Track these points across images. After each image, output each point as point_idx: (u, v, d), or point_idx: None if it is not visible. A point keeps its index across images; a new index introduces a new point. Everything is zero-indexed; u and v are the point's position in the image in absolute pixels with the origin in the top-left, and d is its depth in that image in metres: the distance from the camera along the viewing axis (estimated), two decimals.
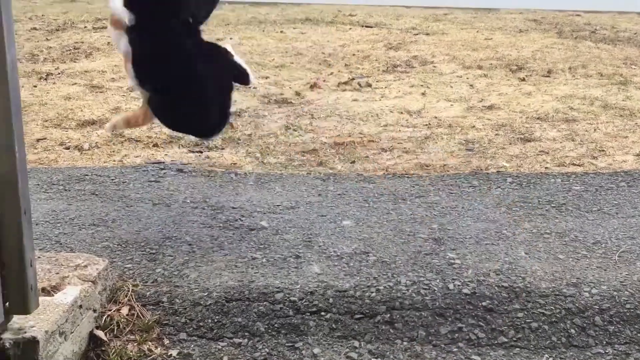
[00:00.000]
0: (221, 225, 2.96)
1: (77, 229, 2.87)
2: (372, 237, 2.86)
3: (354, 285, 2.48)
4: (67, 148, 4.18)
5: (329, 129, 4.69)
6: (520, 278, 2.56)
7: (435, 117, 4.97)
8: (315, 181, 3.58)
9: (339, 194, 3.37)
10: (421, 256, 2.70)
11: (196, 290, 2.44)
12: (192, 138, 4.39)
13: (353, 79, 6.26)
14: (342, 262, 2.64)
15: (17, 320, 1.93)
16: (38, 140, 4.31)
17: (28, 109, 4.93)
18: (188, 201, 3.25)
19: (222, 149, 4.25)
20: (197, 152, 4.17)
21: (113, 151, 4.15)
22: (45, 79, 6.06)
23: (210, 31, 8.94)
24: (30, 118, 4.75)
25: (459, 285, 2.50)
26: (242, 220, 3.01)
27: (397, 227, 2.96)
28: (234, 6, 11.63)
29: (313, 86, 5.92)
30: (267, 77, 6.25)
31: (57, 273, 2.30)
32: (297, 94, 5.70)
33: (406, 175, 3.70)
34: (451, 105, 5.35)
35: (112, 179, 3.53)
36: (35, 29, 9.77)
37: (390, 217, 3.08)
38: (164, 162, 3.88)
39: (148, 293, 2.44)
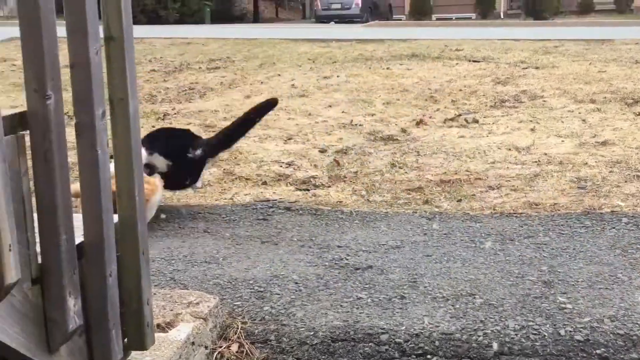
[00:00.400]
0: (327, 264, 3.00)
1: (190, 266, 2.99)
2: (479, 278, 2.82)
3: (460, 328, 2.45)
4: None
5: (435, 166, 4.68)
6: (637, 325, 2.45)
7: (545, 154, 4.87)
8: (421, 220, 3.58)
9: (444, 234, 3.35)
10: (530, 299, 2.64)
11: (302, 329, 2.48)
12: (300, 176, 4.50)
13: (460, 115, 6.23)
14: (447, 303, 2.62)
15: (135, 355, 2.02)
16: None
17: None
18: (295, 239, 3.32)
19: (329, 187, 4.32)
20: (304, 190, 4.25)
21: (224, 189, 4.29)
22: (163, 119, 6.34)
23: (317, 69, 9.15)
24: None
25: (570, 332, 2.42)
26: (347, 259, 3.04)
27: (504, 269, 2.91)
28: (340, 44, 11.84)
29: (419, 123, 5.93)
30: (373, 115, 6.31)
31: (171, 310, 2.40)
32: (403, 130, 5.73)
33: (514, 215, 3.63)
34: (562, 141, 5.22)
35: (223, 217, 3.65)
36: (154, 70, 10.28)
37: (497, 258, 3.03)
38: (273, 200, 3.98)
39: (256, 331, 2.50)
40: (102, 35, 1.77)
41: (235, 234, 3.41)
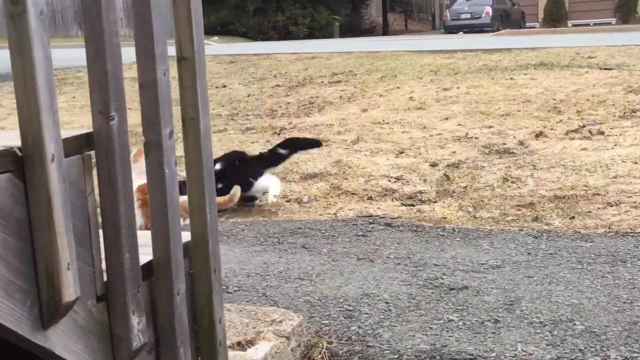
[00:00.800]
0: (421, 283, 2.90)
1: (284, 282, 2.98)
2: (582, 303, 2.64)
3: (555, 356, 2.29)
4: (288, 201, 4.38)
5: (550, 181, 4.45)
6: None
7: None
8: (527, 238, 3.40)
9: (550, 253, 3.16)
10: (637, 328, 2.43)
11: (387, 351, 2.40)
12: (407, 191, 4.41)
13: (584, 126, 5.92)
14: (545, 329, 2.46)
15: None
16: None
17: None
18: (392, 257, 3.25)
19: (435, 202, 4.21)
20: (409, 205, 4.17)
21: (329, 204, 4.28)
22: (279, 134, 6.43)
23: (438, 81, 9.00)
24: None
25: None
26: (442, 279, 2.93)
27: (611, 293, 2.70)
28: (465, 54, 11.59)
29: (538, 135, 5.68)
30: (490, 127, 6.11)
31: (254, 327, 2.40)
32: (521, 143, 5.50)
33: (631, 234, 3.38)
34: None
35: (323, 233, 3.63)
36: (278, 85, 10.49)
37: (605, 282, 2.82)
38: (375, 216, 3.92)
39: (341, 351, 2.45)
40: (173, 54, 1.80)
41: (333, 250, 3.38)
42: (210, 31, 26.91)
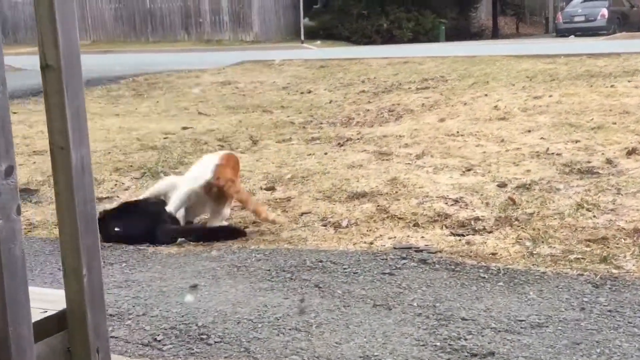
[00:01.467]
0: (438, 344, 2.35)
1: (276, 334, 2.50)
2: None
3: None
4: (325, 225, 3.90)
5: (634, 209, 3.75)
6: None
7: None
8: (585, 287, 2.76)
9: (608, 310, 2.53)
10: None
11: None
12: (462, 217, 3.84)
13: None
14: None
15: None
16: (302, 214, 4.11)
17: (308, 179, 4.82)
18: (414, 304, 2.70)
19: (490, 232, 3.60)
20: (458, 235, 3.58)
21: (369, 230, 3.76)
22: (342, 145, 5.96)
23: (531, 88, 8.24)
24: (306, 189, 4.61)
25: None
26: (466, 340, 2.37)
27: None
28: (569, 59, 10.70)
29: (631, 152, 4.92)
30: (576, 141, 5.39)
31: None
32: (608, 161, 4.78)
33: None
34: None
35: (345, 268, 3.13)
36: (363, 91, 10.00)
37: None
38: (413, 248, 3.37)
39: None
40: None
41: (349, 291, 2.87)
42: (312, 35, 26.75)
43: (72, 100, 1.36)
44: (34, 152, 6.31)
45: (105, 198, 4.73)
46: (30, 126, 7.99)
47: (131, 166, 5.71)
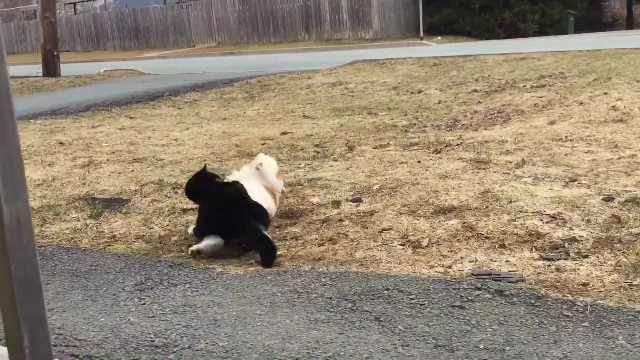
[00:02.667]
0: None
1: None
2: None
3: None
4: (403, 245, 3.62)
5: None
6: None
7: None
8: None
9: None
10: None
11: None
12: (557, 236, 3.46)
13: None
14: None
15: None
16: (382, 231, 3.85)
17: (396, 190, 4.54)
18: (481, 347, 2.39)
19: (585, 256, 3.20)
20: (548, 259, 3.21)
21: (450, 251, 3.45)
22: (438, 152, 5.63)
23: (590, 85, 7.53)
24: (392, 202, 4.34)
25: None
26: None
27: None
28: None
29: None
30: None
31: None
32: None
33: None
34: None
35: (411, 298, 2.84)
36: (475, 91, 9.58)
37: None
38: (493, 275, 3.04)
39: None
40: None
41: (411, 327, 2.59)
42: (432, 31, 26.20)
43: (1, 149, 1.17)
44: (134, 159, 6.37)
45: (190, 209, 4.66)
46: (139, 132, 8.14)
47: (223, 174, 5.64)
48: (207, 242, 3.69)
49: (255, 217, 3.72)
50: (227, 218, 3.68)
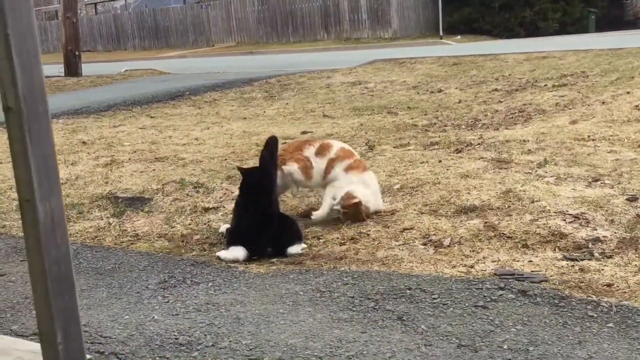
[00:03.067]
0: None
1: None
2: None
3: None
4: (425, 244, 3.62)
5: None
6: None
7: None
8: None
9: None
10: None
11: None
12: (580, 237, 3.44)
13: None
14: None
15: None
16: (403, 230, 3.85)
17: (417, 190, 4.54)
18: (504, 347, 2.38)
19: (610, 257, 3.19)
20: (572, 259, 3.19)
21: (473, 251, 3.44)
22: (459, 152, 5.61)
23: None
24: (413, 201, 4.34)
25: None
26: None
27: None
28: None
29: None
30: None
31: None
32: None
33: None
34: None
35: (434, 298, 2.84)
36: (496, 90, 9.54)
37: None
38: (516, 275, 3.03)
39: None
40: None
41: (434, 326, 2.59)
42: (452, 30, 26.11)
43: (36, 148, 1.18)
44: (156, 158, 6.41)
45: (212, 208, 4.69)
46: (160, 131, 8.19)
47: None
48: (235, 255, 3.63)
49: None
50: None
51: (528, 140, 5.68)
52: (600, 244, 3.34)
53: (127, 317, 2.92)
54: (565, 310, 2.63)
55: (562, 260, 3.20)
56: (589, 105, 7.14)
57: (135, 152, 6.73)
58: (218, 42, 33.38)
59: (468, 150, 5.62)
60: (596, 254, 3.22)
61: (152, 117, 9.69)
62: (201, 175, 5.46)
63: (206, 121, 8.77)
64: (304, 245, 3.73)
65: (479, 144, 5.84)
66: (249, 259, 3.63)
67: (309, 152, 4.25)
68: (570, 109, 7.17)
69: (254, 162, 5.93)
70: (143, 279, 3.45)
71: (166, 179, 5.52)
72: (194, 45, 33.94)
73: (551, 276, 2.99)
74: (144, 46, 36.30)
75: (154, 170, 5.94)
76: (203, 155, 6.32)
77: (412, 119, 7.84)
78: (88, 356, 1.33)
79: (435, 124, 7.41)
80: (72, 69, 17.38)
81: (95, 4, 44.31)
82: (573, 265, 3.11)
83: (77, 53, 17.54)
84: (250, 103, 10.62)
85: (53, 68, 18.73)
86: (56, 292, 1.20)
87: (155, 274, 3.49)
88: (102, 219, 4.58)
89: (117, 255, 3.84)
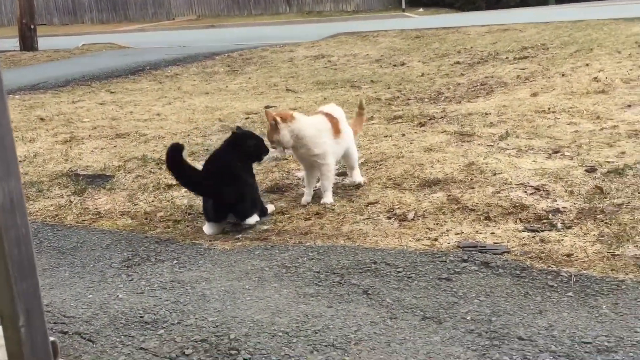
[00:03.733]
0: None
1: (310, 350, 2.29)
2: None
3: None
4: (389, 218, 3.64)
5: None
6: None
7: None
8: None
9: None
10: None
11: None
12: (540, 208, 3.49)
13: None
14: None
15: None
16: (368, 205, 3.86)
17: (381, 164, 4.56)
18: (468, 318, 2.42)
19: (569, 227, 3.24)
20: (533, 230, 3.24)
21: (436, 224, 3.47)
22: (422, 125, 5.64)
23: (638, 55, 7.57)
24: (377, 175, 4.35)
25: None
26: None
27: None
28: None
29: None
30: None
31: None
32: None
33: None
34: None
35: (399, 272, 2.87)
36: (458, 63, 9.58)
37: None
38: (479, 247, 3.07)
39: None
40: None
41: (399, 300, 2.61)
42: (414, 3, 26.07)
43: None
44: (117, 135, 6.32)
45: (175, 185, 4.65)
46: (120, 107, 8.07)
47: (207, 150, 5.62)
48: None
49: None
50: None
51: (490, 113, 5.73)
52: (560, 214, 3.40)
53: (90, 296, 2.90)
54: (526, 280, 2.67)
55: (524, 231, 3.24)
56: (549, 77, 7.22)
57: (95, 128, 6.63)
58: (179, 15, 32.89)
59: (431, 123, 5.65)
60: (556, 225, 3.27)
61: (112, 92, 9.53)
62: (163, 152, 5.40)
63: (168, 96, 8.67)
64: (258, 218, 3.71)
65: (442, 117, 5.87)
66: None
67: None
68: (531, 81, 7.24)
69: (217, 138, 5.90)
70: (106, 257, 3.42)
71: (128, 155, 5.46)
72: (153, 19, 33.40)
73: (513, 247, 3.04)
74: (102, 19, 35.61)
75: (115, 146, 5.86)
76: (165, 131, 6.25)
77: (375, 92, 7.84)
78: (51, 338, 1.31)
79: (398, 97, 7.42)
80: (27, 43, 16.98)
81: None
82: (534, 237, 3.16)
83: (32, 27, 17.14)
84: (213, 77, 10.51)
85: (8, 42, 18.29)
86: (17, 274, 1.18)
87: (119, 252, 3.46)
88: (62, 197, 4.51)
89: (79, 234, 3.80)
